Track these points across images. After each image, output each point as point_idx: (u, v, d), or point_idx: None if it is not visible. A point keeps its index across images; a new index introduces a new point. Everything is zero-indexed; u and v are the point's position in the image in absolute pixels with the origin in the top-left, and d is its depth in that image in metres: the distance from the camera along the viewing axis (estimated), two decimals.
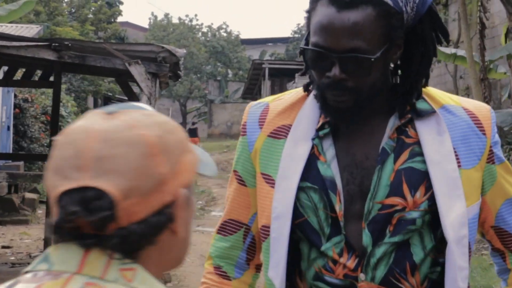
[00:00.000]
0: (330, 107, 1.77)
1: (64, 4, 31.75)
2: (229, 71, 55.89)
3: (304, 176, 1.81)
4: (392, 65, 1.86)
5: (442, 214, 1.74)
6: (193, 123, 37.65)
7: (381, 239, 1.77)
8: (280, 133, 1.87)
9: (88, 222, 1.08)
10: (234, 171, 1.96)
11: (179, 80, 9.95)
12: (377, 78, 1.76)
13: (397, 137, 1.80)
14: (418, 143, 1.80)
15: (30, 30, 15.06)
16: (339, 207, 1.77)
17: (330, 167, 1.80)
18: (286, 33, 67.52)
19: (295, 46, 57.14)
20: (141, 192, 1.10)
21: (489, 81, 11.90)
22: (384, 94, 1.82)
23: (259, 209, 1.89)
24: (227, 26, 63.94)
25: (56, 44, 8.15)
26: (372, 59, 1.71)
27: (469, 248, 1.79)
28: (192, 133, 34.16)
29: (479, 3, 12.19)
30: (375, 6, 1.71)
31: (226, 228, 1.98)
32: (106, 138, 1.10)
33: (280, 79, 32.15)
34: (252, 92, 38.31)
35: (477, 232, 1.87)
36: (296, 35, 58.37)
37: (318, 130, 1.83)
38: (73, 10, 32.01)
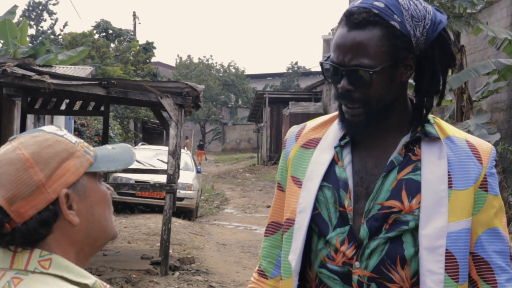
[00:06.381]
0: (346, 120, 1.66)
1: (111, 50, 31.99)
2: (239, 100, 55.90)
3: (325, 177, 1.69)
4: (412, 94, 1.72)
5: (420, 224, 1.60)
6: (200, 140, 43.96)
7: (377, 235, 1.63)
8: (310, 144, 1.75)
9: None
10: (277, 181, 1.82)
11: (200, 108, 10.08)
12: (382, 92, 1.61)
13: (405, 153, 1.66)
14: (421, 161, 1.65)
15: (85, 71, 15.21)
16: (348, 203, 1.65)
17: (345, 171, 1.67)
18: (282, 69, 67.03)
19: (289, 79, 57.06)
20: (23, 197, 1.12)
21: (442, 107, 11.98)
22: (400, 113, 1.68)
23: (286, 205, 1.75)
24: (235, 63, 63.51)
25: (105, 83, 8.11)
26: (370, 72, 1.58)
27: (453, 258, 1.61)
28: (200, 147, 40.73)
29: None
30: (381, 27, 1.57)
31: (268, 230, 1.82)
32: None
33: (277, 106, 32.17)
34: (255, 116, 37.97)
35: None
36: (290, 71, 58.29)
37: (340, 140, 1.71)
38: (118, 54, 32.21)
